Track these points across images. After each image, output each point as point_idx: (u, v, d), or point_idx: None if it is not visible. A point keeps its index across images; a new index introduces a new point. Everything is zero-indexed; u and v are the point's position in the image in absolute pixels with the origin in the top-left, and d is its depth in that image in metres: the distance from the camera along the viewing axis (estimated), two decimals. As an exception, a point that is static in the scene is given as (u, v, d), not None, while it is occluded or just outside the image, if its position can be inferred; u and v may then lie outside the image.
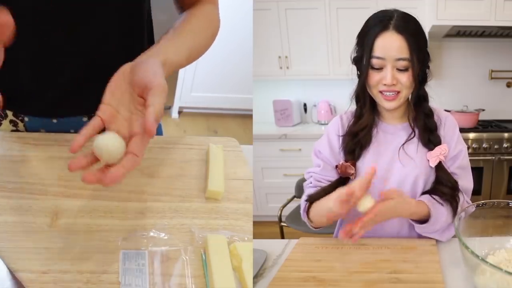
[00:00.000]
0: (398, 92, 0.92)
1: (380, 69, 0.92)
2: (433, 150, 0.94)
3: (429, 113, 0.96)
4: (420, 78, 0.96)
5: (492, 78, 2.81)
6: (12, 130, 1.00)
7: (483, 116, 2.61)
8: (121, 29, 0.93)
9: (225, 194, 0.84)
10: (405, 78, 0.91)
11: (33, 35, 0.86)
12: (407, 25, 0.92)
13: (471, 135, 2.43)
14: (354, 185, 0.80)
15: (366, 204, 0.81)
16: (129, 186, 0.82)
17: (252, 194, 0.85)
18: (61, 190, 0.79)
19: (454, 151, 0.96)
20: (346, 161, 0.97)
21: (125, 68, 0.72)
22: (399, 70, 0.91)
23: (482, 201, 0.83)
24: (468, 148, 2.55)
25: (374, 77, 0.93)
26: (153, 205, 0.79)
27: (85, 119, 0.99)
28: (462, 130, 2.61)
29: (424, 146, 0.95)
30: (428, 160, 0.94)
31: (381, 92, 0.93)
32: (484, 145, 2.41)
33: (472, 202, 0.87)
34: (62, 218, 0.73)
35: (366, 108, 0.98)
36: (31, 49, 0.88)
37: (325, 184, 0.97)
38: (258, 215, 2.56)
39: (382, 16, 0.93)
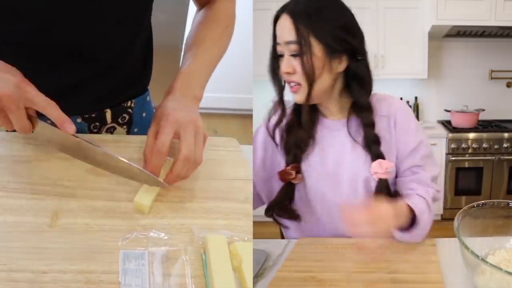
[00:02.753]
0: (299, 84, 0.84)
1: (282, 57, 0.85)
2: (374, 164, 0.86)
3: (369, 124, 0.87)
4: (351, 74, 0.85)
5: (492, 78, 2.81)
6: None
7: (483, 116, 2.61)
8: (125, 36, 0.94)
9: (225, 194, 0.83)
10: (298, 65, 0.82)
11: (35, 36, 0.86)
12: (303, 6, 0.82)
13: (471, 135, 2.43)
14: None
15: None
16: (129, 186, 0.82)
17: (252, 194, 0.85)
18: (61, 190, 0.79)
19: (413, 144, 0.89)
20: (287, 165, 0.91)
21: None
22: (294, 57, 0.83)
23: (482, 201, 0.83)
24: (468, 148, 2.55)
25: (280, 67, 0.86)
26: (153, 205, 0.78)
27: (79, 119, 0.98)
28: (462, 130, 2.64)
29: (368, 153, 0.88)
30: None
31: (288, 83, 0.86)
32: (484, 145, 2.41)
33: (472, 202, 0.87)
34: (62, 218, 0.73)
35: (282, 104, 0.90)
36: (32, 49, 0.88)
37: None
38: (258, 215, 2.54)
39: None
